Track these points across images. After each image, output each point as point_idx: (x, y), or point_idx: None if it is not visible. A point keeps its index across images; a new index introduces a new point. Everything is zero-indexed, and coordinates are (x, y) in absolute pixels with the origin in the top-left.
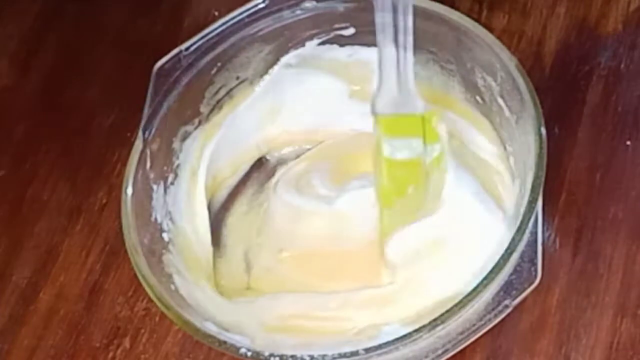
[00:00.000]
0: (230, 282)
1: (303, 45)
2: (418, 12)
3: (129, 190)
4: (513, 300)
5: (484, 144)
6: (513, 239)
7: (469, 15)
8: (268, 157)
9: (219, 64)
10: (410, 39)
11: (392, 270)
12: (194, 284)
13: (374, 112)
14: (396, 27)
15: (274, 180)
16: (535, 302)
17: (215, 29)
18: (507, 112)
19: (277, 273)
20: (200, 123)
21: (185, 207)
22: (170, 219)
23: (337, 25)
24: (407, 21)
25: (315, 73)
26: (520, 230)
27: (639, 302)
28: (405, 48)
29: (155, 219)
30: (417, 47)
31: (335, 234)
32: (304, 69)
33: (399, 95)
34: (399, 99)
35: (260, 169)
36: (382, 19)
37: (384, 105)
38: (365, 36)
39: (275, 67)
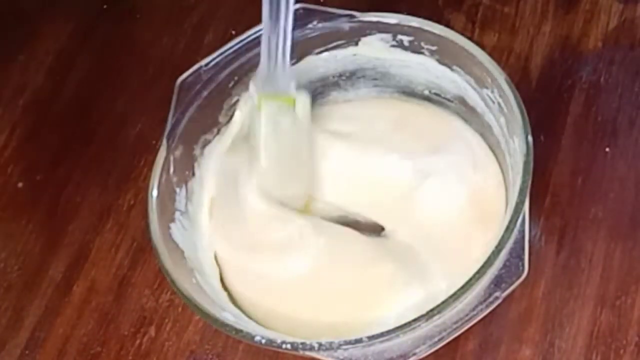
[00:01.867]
0: None
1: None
2: (419, 31)
3: (154, 193)
4: (502, 292)
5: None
6: (502, 237)
7: (462, 34)
8: None
9: (236, 78)
10: (290, 26)
11: None
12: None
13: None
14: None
15: None
16: (523, 294)
17: (233, 46)
18: (497, 121)
19: None
20: (219, 132)
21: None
22: (190, 219)
23: (342, 42)
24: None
25: None
26: (508, 229)
27: (617, 294)
28: (285, 34)
29: (178, 219)
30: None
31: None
32: None
33: (278, 75)
34: (276, 78)
35: None
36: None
37: (263, 84)
38: None
39: None
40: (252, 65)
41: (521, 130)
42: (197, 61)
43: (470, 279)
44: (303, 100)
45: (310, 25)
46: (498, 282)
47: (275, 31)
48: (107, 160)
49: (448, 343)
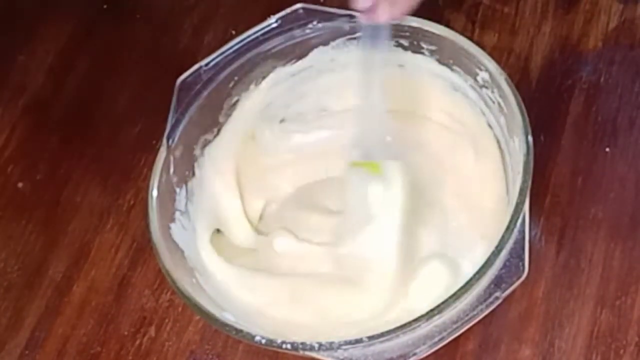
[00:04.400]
0: None
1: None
2: (420, 32)
3: (154, 193)
4: (503, 292)
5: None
6: (502, 237)
7: (463, 34)
8: None
9: (235, 78)
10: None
11: None
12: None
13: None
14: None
15: None
16: (523, 294)
17: (233, 46)
18: (497, 121)
19: None
20: (219, 132)
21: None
22: (190, 218)
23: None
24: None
25: None
26: (508, 229)
27: (617, 294)
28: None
29: (178, 219)
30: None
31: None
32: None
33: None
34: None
35: None
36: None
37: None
38: None
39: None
40: (251, 66)
41: (521, 130)
42: (197, 61)
43: (471, 279)
44: (398, 170)
45: (310, 25)
46: (498, 282)
47: (372, 103)
48: (107, 160)
49: (448, 343)
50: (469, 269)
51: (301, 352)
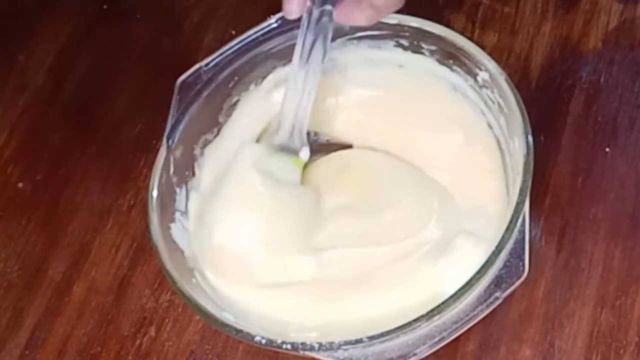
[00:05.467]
0: None
1: None
2: (420, 32)
3: (154, 193)
4: (503, 292)
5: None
6: (502, 237)
7: (463, 34)
8: None
9: (235, 78)
10: (314, 91)
11: None
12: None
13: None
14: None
15: None
16: (523, 295)
17: (233, 46)
18: (497, 121)
19: None
20: (219, 132)
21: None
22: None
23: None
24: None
25: None
26: (508, 230)
27: (617, 294)
28: (308, 99)
29: (178, 219)
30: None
31: None
32: None
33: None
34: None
35: None
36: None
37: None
38: None
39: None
40: (251, 66)
41: (521, 130)
42: (197, 61)
43: (471, 279)
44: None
45: None
46: (498, 283)
47: (304, 95)
48: (107, 160)
49: (448, 343)
50: None
51: (301, 352)
